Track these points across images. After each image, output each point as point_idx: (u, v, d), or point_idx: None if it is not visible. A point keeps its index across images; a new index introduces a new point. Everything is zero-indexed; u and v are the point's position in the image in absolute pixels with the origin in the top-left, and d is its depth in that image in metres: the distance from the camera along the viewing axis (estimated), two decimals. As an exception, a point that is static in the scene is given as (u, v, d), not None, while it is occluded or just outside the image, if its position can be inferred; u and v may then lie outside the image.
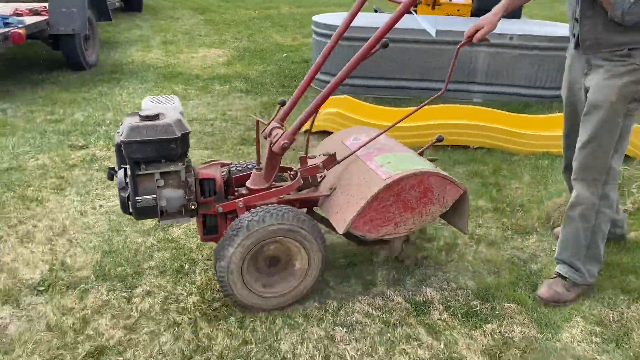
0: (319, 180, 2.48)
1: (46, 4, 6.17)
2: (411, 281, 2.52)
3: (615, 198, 2.34)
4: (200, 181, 2.30)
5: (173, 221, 2.27)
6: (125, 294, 2.40)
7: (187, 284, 2.47)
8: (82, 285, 2.45)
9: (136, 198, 2.15)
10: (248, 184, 2.41)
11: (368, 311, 2.31)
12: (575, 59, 2.35)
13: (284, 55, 7.11)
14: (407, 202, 2.23)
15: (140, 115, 2.08)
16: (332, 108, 4.33)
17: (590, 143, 2.22)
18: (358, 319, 2.26)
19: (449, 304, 2.37)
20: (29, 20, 5.58)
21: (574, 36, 2.30)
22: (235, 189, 2.43)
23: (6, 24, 5.31)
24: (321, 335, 2.16)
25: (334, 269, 2.59)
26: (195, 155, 3.84)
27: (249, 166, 2.61)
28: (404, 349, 2.09)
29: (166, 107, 2.24)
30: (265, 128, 2.40)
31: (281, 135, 2.26)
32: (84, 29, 5.92)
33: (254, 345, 2.11)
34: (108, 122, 4.54)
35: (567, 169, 2.55)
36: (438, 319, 2.27)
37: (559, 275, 2.41)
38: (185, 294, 2.40)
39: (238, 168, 2.61)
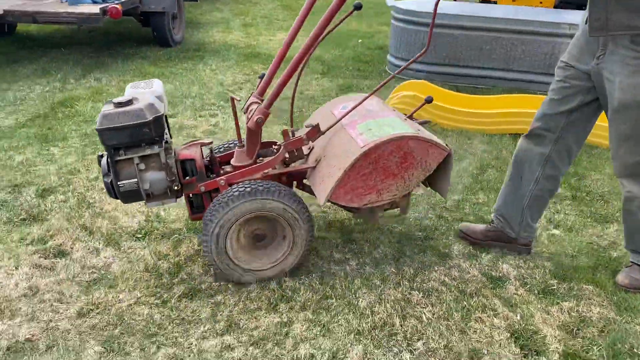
0: (306, 152, 2.46)
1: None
2: (487, 257, 2.55)
3: None
4: (181, 162, 2.34)
5: (159, 204, 2.31)
6: (214, 246, 2.58)
7: (270, 242, 2.62)
8: (175, 236, 2.65)
9: (118, 183, 2.19)
10: (232, 161, 2.43)
11: (444, 280, 2.37)
12: (585, 41, 2.20)
13: (359, 41, 7.18)
14: (388, 169, 2.20)
15: (113, 103, 2.14)
16: (409, 91, 4.38)
17: (627, 141, 2.15)
18: (434, 286, 2.33)
19: (525, 280, 2.39)
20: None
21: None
22: (222, 167, 2.48)
23: (104, 0, 5.71)
24: (398, 298, 2.25)
25: (411, 240, 2.67)
26: (275, 130, 4.00)
27: (232, 145, 2.63)
28: (479, 317, 2.15)
29: (143, 91, 2.27)
30: (245, 104, 2.45)
31: (255, 110, 2.29)
32: (173, 7, 6.23)
33: (334, 300, 2.22)
34: (194, 94, 4.78)
35: (528, 137, 2.45)
36: (514, 294, 2.30)
37: (634, 263, 2.39)
38: (269, 251, 2.55)
39: (225, 146, 2.64)
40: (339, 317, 2.13)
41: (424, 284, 2.34)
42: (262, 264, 2.31)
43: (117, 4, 5.40)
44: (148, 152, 2.19)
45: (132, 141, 2.15)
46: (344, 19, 2.39)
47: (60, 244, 2.54)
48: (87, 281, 2.32)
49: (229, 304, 2.19)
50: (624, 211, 2.33)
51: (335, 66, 5.90)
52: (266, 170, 2.36)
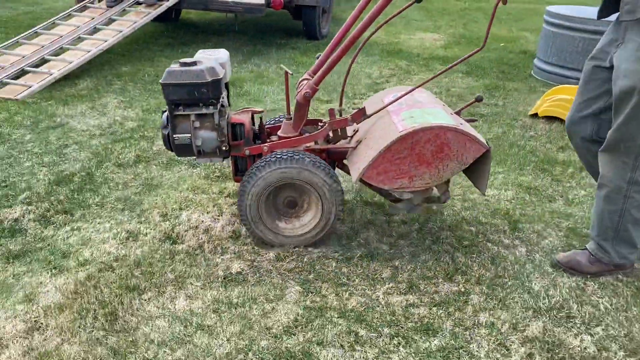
0: (351, 134, 2.55)
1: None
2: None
3: None
4: (232, 125, 2.51)
5: (208, 160, 2.51)
6: (384, 218, 2.79)
7: (437, 221, 2.77)
8: (347, 205, 2.89)
9: (174, 136, 2.38)
10: (279, 132, 2.58)
11: (617, 276, 2.38)
12: (613, 29, 2.15)
13: (501, 45, 7.11)
14: (423, 156, 2.20)
15: (180, 62, 2.33)
16: (565, 95, 4.33)
17: (619, 130, 2.09)
18: (609, 281, 2.35)
19: None
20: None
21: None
22: (270, 136, 2.65)
23: (264, -7, 6.19)
24: (572, 286, 2.31)
25: (579, 236, 2.69)
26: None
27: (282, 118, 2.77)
28: (661, 314, 2.15)
29: (209, 57, 2.44)
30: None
31: (305, 85, 2.41)
32: (326, 2, 6.59)
33: (507, 280, 2.33)
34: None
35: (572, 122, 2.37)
36: (696, 298, 2.27)
37: (586, 248, 2.40)
38: (437, 228, 2.71)
39: (277, 119, 2.81)
40: (514, 295, 2.23)
41: (598, 277, 2.37)
42: (293, 231, 2.47)
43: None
44: (204, 111, 2.35)
45: (190, 99, 2.31)
46: (404, 9, 2.39)
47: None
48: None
49: (407, 269, 2.38)
50: (596, 196, 2.31)
51: (479, 67, 5.92)
52: (308, 144, 2.49)
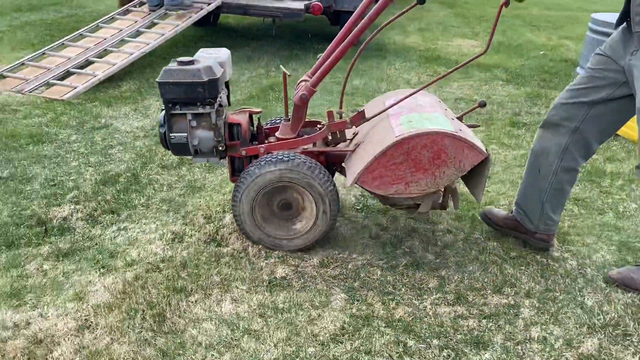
0: (350, 136, 2.51)
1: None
2: None
3: None
4: (229, 125, 2.48)
5: (205, 160, 2.48)
6: (429, 227, 2.74)
7: (483, 231, 2.71)
8: (391, 212, 2.85)
9: (170, 135, 2.37)
10: (277, 133, 2.55)
11: (676, 294, 2.29)
12: (622, 36, 2.14)
13: (541, 52, 6.97)
14: (419, 162, 2.16)
15: (177, 61, 2.32)
16: None
17: None
18: (666, 298, 2.26)
19: None
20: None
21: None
22: (268, 137, 2.61)
23: (304, -3, 6.22)
24: (627, 302, 2.22)
25: (632, 251, 2.60)
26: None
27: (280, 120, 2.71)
28: None
29: (208, 56, 2.43)
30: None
31: (302, 87, 2.37)
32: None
33: (558, 294, 2.26)
34: (383, 90, 5.03)
35: (544, 126, 2.43)
36: None
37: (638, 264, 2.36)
38: (483, 239, 2.65)
39: (277, 121, 2.75)
40: (566, 310, 2.16)
41: (655, 294, 2.28)
42: (286, 233, 2.43)
43: (317, 1, 5.85)
44: (200, 110, 2.34)
45: (187, 97, 2.30)
46: (406, 10, 2.37)
47: (294, 205, 2.87)
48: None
49: (454, 279, 2.33)
50: None
51: (520, 75, 5.81)
52: (305, 146, 2.46)
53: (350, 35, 2.31)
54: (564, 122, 2.32)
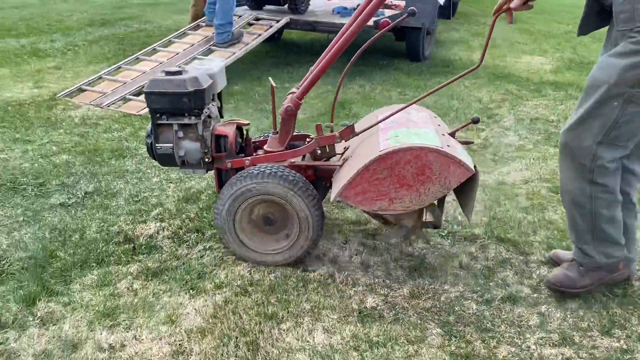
0: (341, 151, 2.48)
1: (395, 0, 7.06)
2: None
3: (612, 185, 2.08)
4: (216, 137, 2.43)
5: (191, 171, 2.46)
6: (522, 257, 2.59)
7: (581, 265, 2.54)
8: (481, 240, 2.72)
9: (156, 145, 2.36)
10: (265, 146, 2.52)
11: None
12: (606, 43, 2.09)
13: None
14: (403, 178, 2.10)
15: (165, 71, 2.30)
16: None
17: (582, 123, 2.03)
18: None
19: None
20: (387, 12, 6.36)
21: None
22: (256, 150, 2.59)
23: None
24: None
25: None
26: (539, 150, 3.89)
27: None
28: None
29: (199, 67, 2.42)
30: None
31: (288, 99, 2.36)
32: (432, 24, 6.47)
33: (676, 339, 2.07)
34: (455, 108, 4.90)
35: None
36: None
37: (574, 259, 2.31)
38: (582, 273, 2.48)
39: (267, 134, 2.70)
40: (688, 358, 1.98)
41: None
42: (269, 248, 2.39)
43: (386, 17, 5.79)
44: (186, 121, 2.32)
45: (172, 108, 2.29)
46: (397, 22, 2.35)
47: (376, 228, 2.79)
48: (407, 266, 2.50)
49: (556, 317, 2.18)
50: (563, 202, 2.25)
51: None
52: (293, 160, 2.40)
53: (336, 46, 2.29)
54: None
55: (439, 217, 2.36)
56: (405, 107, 2.34)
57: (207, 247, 2.58)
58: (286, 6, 6.15)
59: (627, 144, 2.04)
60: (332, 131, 2.45)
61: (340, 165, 2.35)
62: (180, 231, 2.70)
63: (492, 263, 2.54)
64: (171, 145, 2.37)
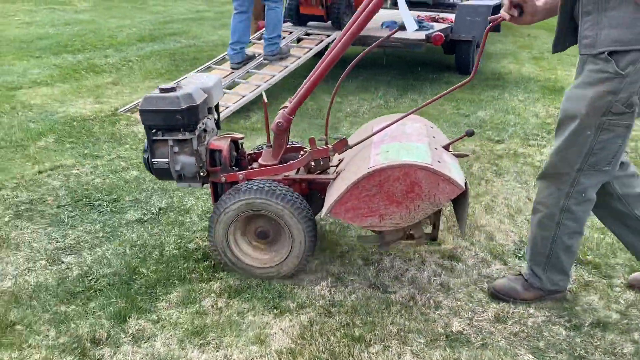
0: (336, 163, 2.50)
1: (442, 13, 7.02)
2: None
3: (581, 215, 2.15)
4: (210, 151, 2.46)
5: (187, 185, 2.49)
6: (605, 281, 2.52)
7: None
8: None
9: (152, 160, 2.40)
10: (259, 160, 2.54)
11: None
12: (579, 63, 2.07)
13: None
14: (393, 195, 2.10)
15: (159, 88, 2.33)
16: None
17: (558, 153, 2.08)
18: None
19: None
20: (437, 25, 6.33)
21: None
22: (251, 164, 2.62)
23: (421, 27, 6.17)
24: None
25: None
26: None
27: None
28: None
29: (194, 82, 2.45)
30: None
31: (279, 114, 2.39)
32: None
33: None
34: (512, 123, 4.82)
35: None
36: None
37: (521, 273, 2.39)
38: (672, 299, 2.39)
39: (261, 147, 2.72)
40: None
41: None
42: (262, 262, 2.41)
43: (438, 31, 5.77)
44: (181, 137, 2.35)
45: (166, 124, 2.32)
46: (388, 36, 2.45)
47: (452, 249, 2.75)
48: (488, 289, 2.45)
49: (651, 346, 2.11)
50: (530, 220, 2.29)
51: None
52: (287, 173, 2.43)
53: (327, 60, 2.32)
54: None
55: (437, 230, 2.38)
56: (401, 118, 2.36)
57: (284, 265, 2.59)
58: (329, 22, 6.17)
59: (607, 167, 2.05)
60: (326, 144, 2.49)
61: (334, 179, 2.38)
62: (256, 249, 2.71)
63: (575, 286, 2.47)
64: (167, 160, 2.41)
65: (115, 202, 3.16)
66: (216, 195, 2.56)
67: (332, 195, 2.22)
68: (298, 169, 2.49)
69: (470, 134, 2.33)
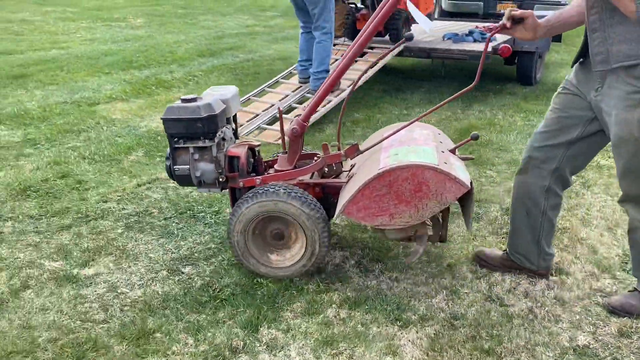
0: (348, 168, 2.60)
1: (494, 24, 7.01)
2: None
3: None
4: (229, 158, 2.60)
5: (207, 190, 2.63)
6: None
7: None
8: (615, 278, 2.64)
9: (174, 167, 2.55)
10: (275, 166, 2.69)
11: None
12: (584, 73, 2.23)
13: None
14: (402, 195, 2.21)
15: (181, 99, 2.48)
16: None
17: (628, 175, 2.17)
18: None
19: None
20: (499, 36, 6.34)
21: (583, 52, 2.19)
22: (267, 170, 2.76)
23: (483, 39, 6.19)
24: None
25: None
26: None
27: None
28: None
29: (212, 93, 2.62)
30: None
31: (294, 121, 2.53)
32: (545, 47, 6.38)
33: None
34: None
35: (522, 172, 2.49)
36: None
37: (636, 290, 2.39)
38: None
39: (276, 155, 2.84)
40: None
41: None
42: (278, 262, 2.55)
43: (506, 44, 5.78)
44: (201, 144, 2.49)
45: (187, 133, 2.47)
46: (393, 48, 2.77)
47: (558, 262, 2.76)
48: (603, 303, 2.46)
49: None
50: (630, 239, 2.34)
51: None
52: (301, 177, 2.57)
53: (337, 70, 2.46)
54: (543, 165, 2.40)
55: (445, 231, 2.52)
56: (409, 124, 2.50)
57: (392, 277, 2.65)
58: (387, 37, 6.18)
59: None
60: (339, 150, 2.62)
61: (346, 182, 2.48)
62: (364, 260, 2.78)
63: (694, 301, 2.45)
64: (188, 166, 2.56)
65: (217, 214, 3.27)
66: (234, 200, 2.72)
67: (344, 197, 2.33)
68: (312, 174, 2.65)
69: (475, 137, 2.41)
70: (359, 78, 2.83)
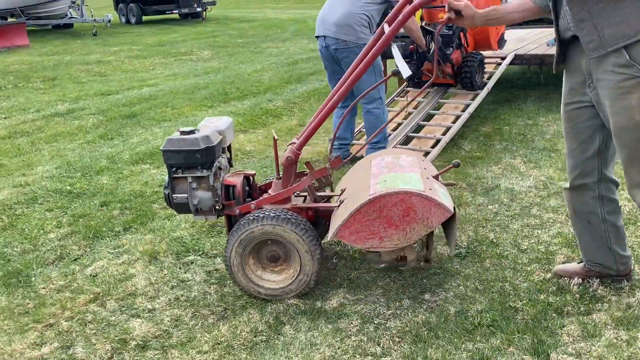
0: (339, 192, 2.71)
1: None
2: None
3: None
4: (225, 187, 2.71)
5: (203, 218, 2.76)
6: None
7: None
8: None
9: (173, 195, 2.66)
10: (270, 191, 2.81)
11: None
12: (570, 77, 2.32)
13: None
14: (391, 219, 2.35)
15: (179, 131, 2.62)
16: None
17: (636, 162, 2.14)
18: None
19: None
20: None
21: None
22: (262, 195, 2.85)
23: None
24: None
25: None
26: None
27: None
28: None
29: (209, 125, 2.75)
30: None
31: (288, 149, 2.67)
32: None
33: None
34: None
35: (571, 188, 2.51)
36: None
37: None
38: None
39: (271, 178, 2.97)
40: None
41: None
42: (275, 284, 2.64)
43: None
44: (199, 174, 2.61)
45: (186, 163, 2.60)
46: (386, 79, 2.94)
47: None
48: None
49: None
50: None
51: None
52: (294, 202, 2.72)
53: (336, 96, 2.58)
54: (586, 179, 2.42)
55: (430, 253, 2.64)
56: (395, 116, 2.73)
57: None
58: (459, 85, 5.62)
59: None
60: (329, 161, 2.83)
61: (337, 207, 2.59)
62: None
63: None
64: (186, 195, 2.67)
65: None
66: (230, 226, 2.82)
67: (336, 221, 2.46)
68: (305, 199, 2.81)
69: (456, 165, 2.59)
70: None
